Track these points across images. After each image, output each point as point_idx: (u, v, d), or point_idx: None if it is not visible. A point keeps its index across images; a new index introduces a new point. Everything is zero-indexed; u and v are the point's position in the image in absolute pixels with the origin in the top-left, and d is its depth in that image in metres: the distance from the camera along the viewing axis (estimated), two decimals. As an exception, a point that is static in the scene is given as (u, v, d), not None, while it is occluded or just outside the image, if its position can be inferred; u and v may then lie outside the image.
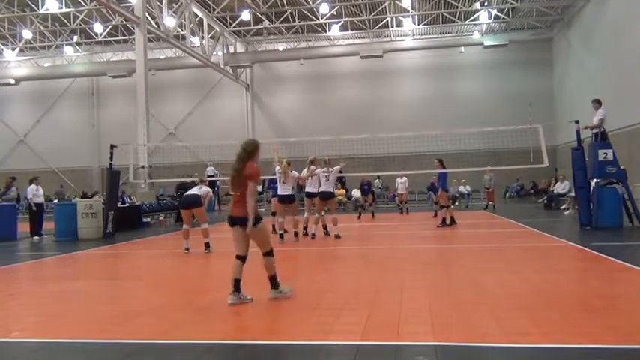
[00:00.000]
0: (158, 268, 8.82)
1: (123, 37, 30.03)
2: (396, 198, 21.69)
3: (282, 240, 10.89)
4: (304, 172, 11.59)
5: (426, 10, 27.67)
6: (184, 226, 10.26)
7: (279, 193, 11.32)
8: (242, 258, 5.47)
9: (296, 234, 11.43)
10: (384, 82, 30.03)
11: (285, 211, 11.37)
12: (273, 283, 5.56)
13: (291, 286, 5.76)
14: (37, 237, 13.68)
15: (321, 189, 11.55)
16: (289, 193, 11.24)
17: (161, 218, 17.98)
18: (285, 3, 26.58)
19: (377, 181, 25.93)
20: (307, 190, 11.84)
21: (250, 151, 5.41)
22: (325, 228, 11.98)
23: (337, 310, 5.08)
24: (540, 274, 6.73)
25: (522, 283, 6.11)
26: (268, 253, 5.51)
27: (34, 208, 13.91)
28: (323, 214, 11.90)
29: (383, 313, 4.89)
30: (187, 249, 9.95)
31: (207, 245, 10.01)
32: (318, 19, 27.88)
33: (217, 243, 10.55)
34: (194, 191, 10.29)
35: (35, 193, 14.03)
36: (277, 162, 11.28)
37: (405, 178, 19.73)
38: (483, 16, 27.54)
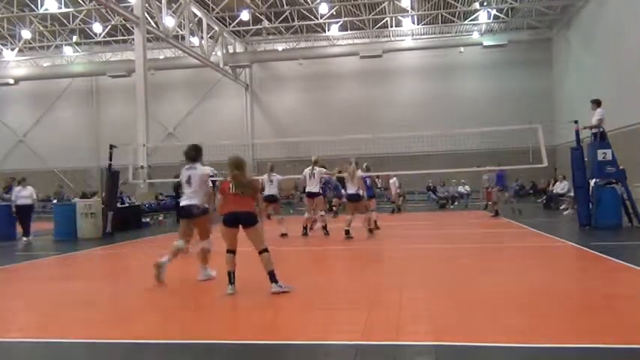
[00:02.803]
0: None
1: (122, 37, 30.00)
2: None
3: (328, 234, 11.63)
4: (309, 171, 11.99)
5: (425, 10, 27.66)
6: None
7: (348, 192, 11.56)
8: (234, 252, 5.96)
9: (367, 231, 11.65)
10: (383, 82, 30.03)
11: (356, 209, 11.64)
12: (273, 278, 5.76)
13: (292, 286, 5.83)
14: (25, 238, 13.28)
15: (307, 189, 11.92)
16: (355, 192, 11.43)
17: (160, 218, 17.98)
18: (284, 3, 26.56)
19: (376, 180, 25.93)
20: (308, 189, 12.07)
21: (243, 165, 6.09)
22: (325, 227, 12.03)
23: (337, 310, 5.09)
24: (540, 274, 6.74)
25: (522, 283, 6.11)
26: (265, 250, 5.83)
27: (14, 209, 13.44)
28: (323, 213, 12.00)
29: (383, 313, 4.89)
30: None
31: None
32: (318, 19, 27.87)
33: (217, 243, 10.55)
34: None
35: (18, 194, 13.53)
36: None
37: (394, 179, 19.74)
38: (483, 16, 27.54)
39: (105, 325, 4.81)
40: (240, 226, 5.92)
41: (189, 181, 6.73)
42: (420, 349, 3.84)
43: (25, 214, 13.70)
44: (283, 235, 11.89)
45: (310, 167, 11.99)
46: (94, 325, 4.82)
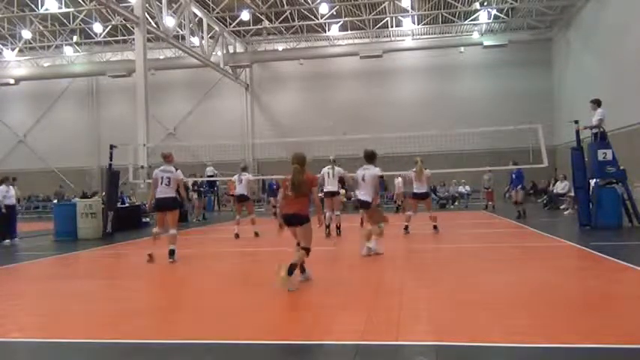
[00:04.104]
0: (157, 268, 8.79)
1: (122, 37, 30.03)
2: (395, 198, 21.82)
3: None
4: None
5: (425, 10, 27.67)
6: (156, 229, 8.96)
7: (415, 191, 12.11)
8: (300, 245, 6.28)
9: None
10: (383, 82, 30.04)
11: (418, 207, 12.24)
12: (291, 270, 5.91)
13: (297, 286, 5.99)
14: (8, 240, 12.98)
15: (326, 188, 12.10)
16: (425, 190, 12.10)
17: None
18: (284, 3, 26.57)
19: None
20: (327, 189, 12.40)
21: (305, 161, 6.37)
22: (339, 227, 12.13)
23: (337, 310, 5.08)
24: (540, 273, 6.73)
25: (522, 283, 6.11)
26: (305, 248, 6.17)
27: (3, 210, 13.01)
28: (338, 213, 12.17)
29: (383, 313, 4.88)
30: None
31: (171, 253, 8.66)
32: (318, 19, 27.88)
33: (218, 243, 10.56)
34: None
35: (5, 194, 13.13)
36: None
37: (399, 178, 19.80)
38: (483, 16, 27.54)
39: (105, 325, 4.81)
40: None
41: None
42: (420, 349, 3.84)
43: (11, 214, 13.39)
44: (256, 234, 12.21)
45: (330, 166, 12.12)
46: (94, 325, 4.82)
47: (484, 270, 7.26)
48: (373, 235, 8.54)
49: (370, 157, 8.68)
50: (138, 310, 5.40)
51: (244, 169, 12.85)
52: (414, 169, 11.99)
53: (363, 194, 8.54)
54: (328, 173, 12.00)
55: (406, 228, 11.89)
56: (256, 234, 12.27)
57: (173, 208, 8.76)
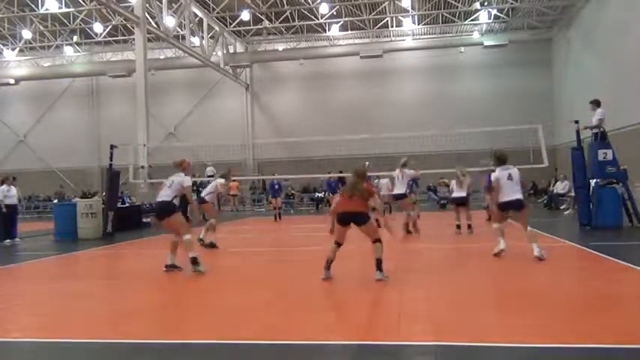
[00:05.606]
0: (157, 268, 8.79)
1: (123, 37, 30.00)
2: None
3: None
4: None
5: (425, 10, 27.66)
6: (173, 237, 7.90)
7: (455, 195, 12.94)
8: (339, 245, 6.66)
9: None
10: (383, 82, 30.02)
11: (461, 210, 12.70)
12: (378, 265, 6.38)
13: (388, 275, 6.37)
14: (8, 240, 12.97)
15: (395, 191, 12.44)
16: (464, 194, 12.63)
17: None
18: (285, 3, 26.56)
19: (376, 181, 25.95)
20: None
21: (365, 175, 6.99)
22: (407, 226, 12.38)
23: (337, 310, 5.09)
24: (540, 274, 6.74)
25: (522, 283, 6.11)
26: (378, 240, 6.54)
27: (4, 210, 12.99)
28: (412, 213, 12.43)
29: (383, 313, 4.89)
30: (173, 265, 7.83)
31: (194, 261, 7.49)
32: (318, 19, 27.87)
33: (217, 243, 10.54)
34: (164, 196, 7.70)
35: (6, 194, 13.10)
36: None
37: (387, 179, 19.70)
38: (483, 16, 27.54)
39: (105, 325, 4.81)
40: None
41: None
42: (420, 349, 3.84)
43: (11, 214, 13.35)
44: (212, 245, 10.43)
45: (399, 169, 12.13)
46: (94, 325, 4.82)
47: (484, 270, 7.26)
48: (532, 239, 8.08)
49: (506, 159, 8.44)
50: (138, 310, 5.41)
51: (222, 176, 11.66)
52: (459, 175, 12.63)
53: (512, 193, 8.14)
54: (399, 176, 12.03)
55: (469, 227, 12.36)
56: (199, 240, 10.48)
57: (167, 213, 7.53)
